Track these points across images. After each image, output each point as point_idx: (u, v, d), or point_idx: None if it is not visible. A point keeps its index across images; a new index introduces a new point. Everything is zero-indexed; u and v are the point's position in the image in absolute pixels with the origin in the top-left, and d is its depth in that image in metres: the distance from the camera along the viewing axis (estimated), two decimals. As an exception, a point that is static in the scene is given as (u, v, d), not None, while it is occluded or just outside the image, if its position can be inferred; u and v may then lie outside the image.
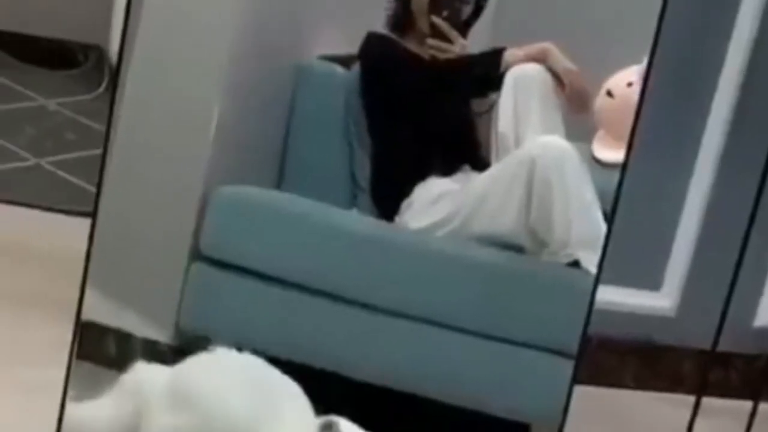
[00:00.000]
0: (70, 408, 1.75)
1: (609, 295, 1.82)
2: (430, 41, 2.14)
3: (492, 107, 2.13)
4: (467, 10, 2.15)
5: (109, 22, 3.14)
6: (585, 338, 1.73)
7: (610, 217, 1.86)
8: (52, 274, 2.29)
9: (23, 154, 2.94)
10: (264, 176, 2.16)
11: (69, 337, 1.82)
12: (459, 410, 1.97)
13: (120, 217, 1.91)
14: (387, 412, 1.87)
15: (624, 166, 1.81)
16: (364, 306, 1.99)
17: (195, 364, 1.67)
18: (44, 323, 2.09)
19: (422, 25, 2.15)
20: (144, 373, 1.70)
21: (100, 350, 2.01)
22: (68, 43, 3.30)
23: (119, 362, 2.08)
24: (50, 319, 2.07)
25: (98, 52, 3.25)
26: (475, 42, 2.16)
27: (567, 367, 1.91)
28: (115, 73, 1.81)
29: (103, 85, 3.28)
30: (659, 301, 2.42)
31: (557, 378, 1.91)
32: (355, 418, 1.78)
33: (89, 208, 2.65)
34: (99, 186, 1.81)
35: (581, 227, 1.98)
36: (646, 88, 1.74)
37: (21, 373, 1.96)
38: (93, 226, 1.77)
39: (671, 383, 2.35)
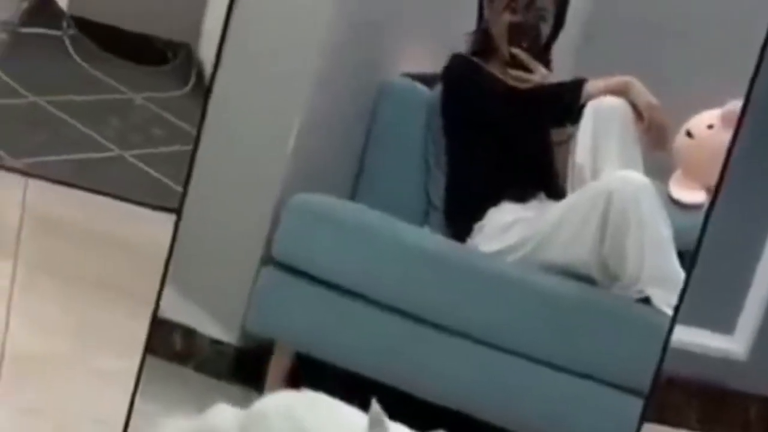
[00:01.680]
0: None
1: (680, 334, 1.81)
2: (512, 72, 2.14)
3: (570, 138, 2.13)
4: (546, 30, 2.15)
5: (200, 22, 3.19)
6: (658, 377, 1.72)
7: (692, 258, 1.85)
8: (126, 264, 2.33)
9: (108, 145, 2.98)
10: (339, 187, 2.18)
11: (141, 327, 1.86)
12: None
13: (198, 216, 1.94)
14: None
15: (709, 209, 1.80)
16: (430, 324, 1.99)
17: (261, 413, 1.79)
18: (118, 311, 2.13)
19: (503, 53, 2.16)
20: (222, 413, 1.81)
21: (165, 344, 2.05)
22: (158, 39, 3.34)
23: (183, 357, 2.12)
24: (124, 308, 2.11)
25: (187, 50, 3.28)
26: (557, 69, 2.17)
27: (630, 402, 1.90)
28: (212, 76, 1.84)
29: (190, 83, 3.31)
30: (731, 344, 2.39)
31: (619, 413, 1.91)
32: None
33: (168, 203, 2.73)
34: (186, 184, 1.84)
35: (654, 264, 1.98)
36: (738, 132, 1.73)
37: (94, 360, 2.00)
38: (177, 224, 1.80)
39: (737, 428, 2.34)
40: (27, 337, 2.00)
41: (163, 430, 1.88)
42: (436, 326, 1.99)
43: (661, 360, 1.71)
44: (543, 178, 2.16)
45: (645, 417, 1.70)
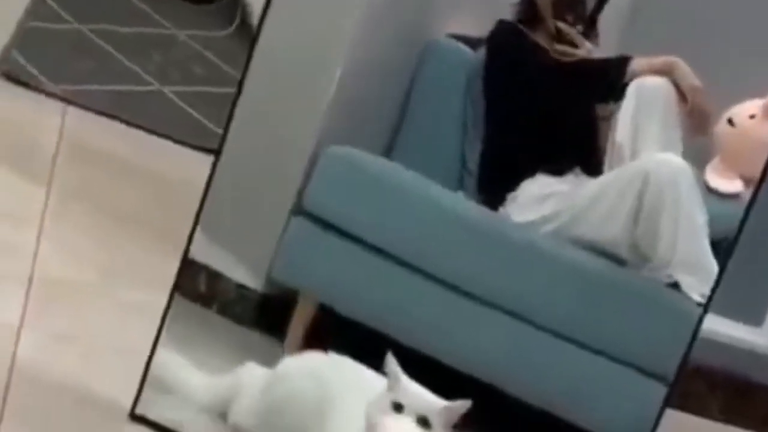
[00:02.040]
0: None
1: (707, 323, 1.80)
2: (557, 47, 2.13)
3: (612, 115, 2.12)
4: (591, 1, 2.14)
5: (250, -36, 3.18)
6: (684, 365, 1.71)
7: (729, 248, 1.84)
8: (159, 200, 2.33)
9: (148, 79, 2.98)
10: (376, 143, 2.16)
11: (169, 264, 1.87)
12: (535, 410, 1.96)
13: (233, 160, 1.94)
14: (462, 397, 1.88)
15: (751, 201, 1.79)
16: (455, 289, 1.99)
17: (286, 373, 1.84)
18: (147, 246, 2.13)
19: (549, 26, 2.14)
20: (251, 371, 1.88)
21: (190, 284, 2.05)
22: (206, -22, 3.35)
23: (206, 299, 2.13)
24: (153, 243, 2.11)
25: (233, -9, 3.29)
26: (603, 45, 2.15)
27: (652, 387, 1.89)
28: (260, 20, 1.83)
29: (234, 24, 3.29)
30: (758, 337, 2.38)
31: (640, 396, 1.90)
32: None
33: (204, 143, 2.73)
34: (227, 126, 1.84)
35: (687, 249, 1.96)
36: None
37: (120, 292, 2.01)
38: (215, 165, 1.80)
39: (760, 422, 2.33)
40: (56, 263, 2.00)
41: (192, 382, 1.90)
42: (462, 292, 1.98)
43: (689, 348, 1.71)
44: (581, 153, 2.14)
45: (667, 404, 1.70)
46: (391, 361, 1.76)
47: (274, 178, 2.12)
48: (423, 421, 1.68)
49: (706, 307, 1.76)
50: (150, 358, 1.82)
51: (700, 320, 1.77)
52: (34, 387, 1.76)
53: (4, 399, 1.70)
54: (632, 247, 1.99)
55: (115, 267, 2.08)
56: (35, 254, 2.03)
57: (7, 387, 1.74)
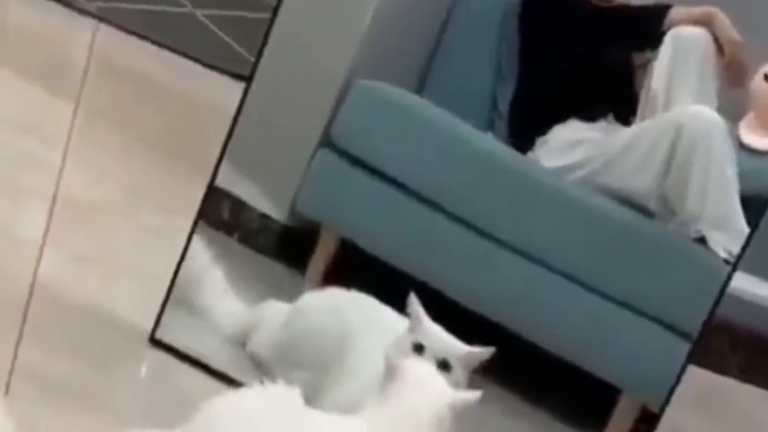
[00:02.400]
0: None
1: (734, 280, 1.79)
2: None
3: (648, 63, 2.09)
4: None
5: None
6: (709, 322, 1.70)
7: (762, 205, 1.82)
8: (186, 124, 2.32)
9: (181, 0, 2.97)
10: (407, 80, 2.13)
11: (193, 189, 1.86)
12: (553, 359, 1.94)
13: (263, 89, 1.92)
14: (480, 341, 1.87)
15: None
16: (479, 230, 1.97)
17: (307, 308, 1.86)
18: (172, 170, 2.12)
19: None
20: (272, 307, 1.90)
21: (214, 212, 2.04)
22: None
23: (229, 227, 2.12)
24: (178, 167, 2.10)
25: None
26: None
27: (675, 342, 1.88)
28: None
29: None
30: (785, 297, 2.39)
31: (662, 351, 1.89)
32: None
33: (233, 68, 2.70)
34: (259, 54, 1.82)
35: (716, 204, 1.94)
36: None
37: (143, 215, 2.01)
38: (246, 92, 1.78)
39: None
40: (80, 182, 2.00)
41: (218, 305, 1.90)
42: (486, 234, 1.96)
43: (715, 306, 1.69)
44: (615, 100, 2.11)
45: (690, 361, 1.69)
46: (414, 302, 1.75)
47: (303, 108, 2.10)
48: (443, 365, 1.67)
49: (735, 266, 1.75)
50: (172, 282, 1.82)
51: (729, 278, 1.76)
52: (54, 306, 1.77)
53: (25, 316, 1.71)
54: (661, 199, 1.97)
55: (139, 189, 2.07)
56: (60, 172, 2.02)
57: (27, 304, 1.74)
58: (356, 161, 2.03)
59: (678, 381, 1.63)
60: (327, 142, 2.04)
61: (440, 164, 2.01)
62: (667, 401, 1.62)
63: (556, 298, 1.96)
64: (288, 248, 2.12)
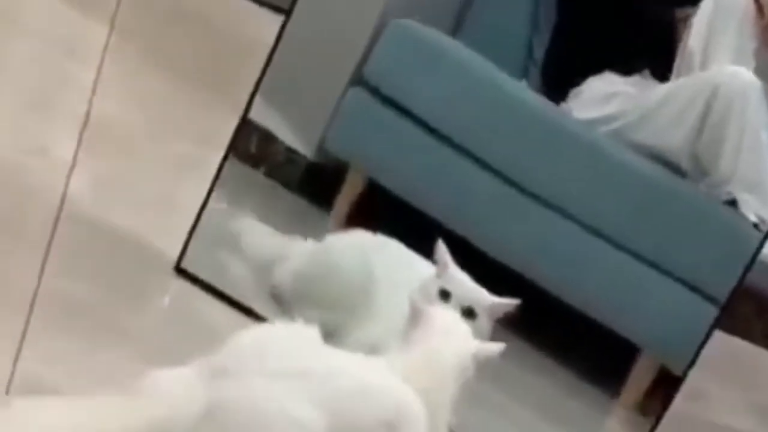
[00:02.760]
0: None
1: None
2: None
3: (688, 18, 2.07)
4: None
5: None
6: (738, 288, 1.69)
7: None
8: (221, 54, 2.29)
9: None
10: (443, 22, 2.11)
11: (222, 119, 1.85)
12: (576, 312, 1.93)
13: (299, 23, 1.89)
14: (503, 292, 1.87)
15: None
16: (506, 178, 1.96)
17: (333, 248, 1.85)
18: (203, 99, 2.10)
19: None
20: (300, 245, 1.89)
21: (241, 144, 2.03)
22: None
23: (256, 160, 2.11)
24: (209, 96, 2.08)
25: None
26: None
27: (699, 304, 1.87)
28: None
29: None
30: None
31: (685, 312, 1.89)
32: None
33: (272, 1, 2.66)
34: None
35: (748, 167, 1.93)
36: None
37: (171, 142, 1.99)
38: (284, 26, 1.76)
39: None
40: (112, 105, 1.98)
41: (247, 237, 1.90)
42: (513, 183, 1.95)
43: (745, 273, 1.68)
44: (653, 55, 2.08)
45: (716, 326, 1.68)
46: (441, 248, 1.74)
47: (337, 46, 2.08)
48: (468, 312, 1.67)
49: (766, 236, 1.73)
50: (200, 213, 1.81)
51: (761, 245, 1.74)
52: (81, 227, 1.76)
53: (52, 235, 1.71)
54: (693, 158, 1.96)
55: (169, 116, 2.06)
56: (93, 92, 2.01)
57: (55, 223, 1.74)
58: (387, 101, 2.01)
59: (703, 345, 1.63)
60: (359, 80, 2.03)
61: (472, 109, 2.00)
62: (691, 364, 1.62)
63: (582, 252, 1.95)
64: (313, 185, 2.11)
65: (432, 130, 1.98)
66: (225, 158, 1.78)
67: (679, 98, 1.97)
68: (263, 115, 2.03)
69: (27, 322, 1.50)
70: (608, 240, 1.93)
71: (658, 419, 1.66)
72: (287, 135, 2.07)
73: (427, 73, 2.01)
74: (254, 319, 1.74)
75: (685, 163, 1.94)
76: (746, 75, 1.94)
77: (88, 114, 1.90)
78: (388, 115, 2.00)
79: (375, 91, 2.00)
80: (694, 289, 1.90)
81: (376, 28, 2.00)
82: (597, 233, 1.94)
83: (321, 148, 2.05)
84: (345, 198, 2.04)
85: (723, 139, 1.92)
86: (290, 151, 2.07)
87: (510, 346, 1.45)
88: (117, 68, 2.07)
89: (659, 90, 2.00)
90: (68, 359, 1.48)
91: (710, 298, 1.87)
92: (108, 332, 1.59)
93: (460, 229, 1.93)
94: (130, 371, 1.24)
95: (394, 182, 2.00)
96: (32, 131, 1.85)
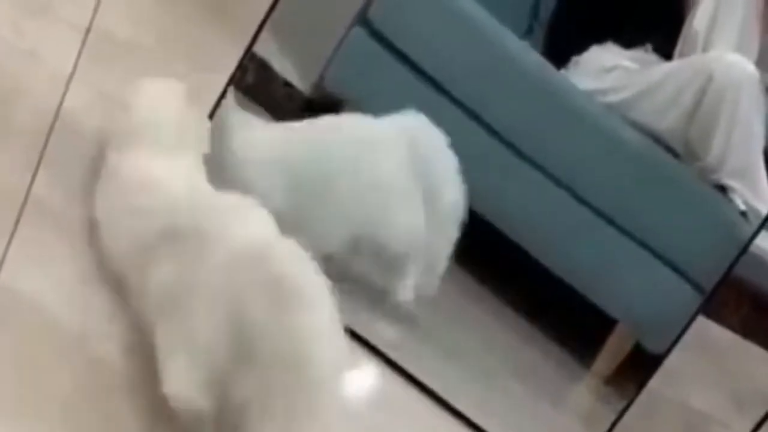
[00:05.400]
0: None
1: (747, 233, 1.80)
2: None
3: (693, -1, 2.07)
4: None
5: None
6: (725, 278, 1.71)
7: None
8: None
9: None
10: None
11: (227, 46, 1.83)
12: (556, 279, 1.96)
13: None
14: (494, 255, 1.88)
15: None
16: (499, 137, 1.96)
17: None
18: (208, 23, 2.07)
19: None
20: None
21: (240, 74, 2.02)
22: None
23: (254, 92, 2.09)
24: (214, 21, 2.05)
25: None
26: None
27: (680, 286, 1.90)
28: None
29: None
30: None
31: (666, 291, 1.91)
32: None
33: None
34: None
35: (739, 155, 1.95)
36: None
37: (175, 66, 1.95)
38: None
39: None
40: (115, 20, 1.95)
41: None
42: (507, 143, 1.95)
43: (735, 261, 1.70)
44: (657, 30, 2.09)
45: (699, 312, 1.70)
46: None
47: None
48: None
49: (762, 224, 1.75)
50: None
51: (753, 237, 1.76)
52: (75, 140, 1.73)
53: (45, 145, 1.69)
54: (686, 142, 1.97)
55: (173, 38, 2.02)
56: (96, 5, 1.98)
57: (48, 135, 1.72)
58: (388, 44, 2.00)
59: (685, 329, 1.65)
60: (363, 21, 2.02)
61: (471, 63, 1.99)
62: (672, 346, 1.64)
63: (570, 221, 1.97)
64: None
65: (429, 79, 1.97)
66: (227, 86, 1.76)
67: (674, 81, 1.97)
68: (264, 47, 2.02)
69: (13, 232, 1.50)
70: (597, 212, 1.95)
71: (633, 398, 1.69)
72: (286, 69, 2.06)
73: (430, 21, 2.00)
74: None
75: (677, 146, 1.96)
76: (743, 66, 1.94)
77: (89, 27, 1.87)
78: (388, 58, 1.99)
79: (377, 34, 1.99)
80: (676, 270, 1.92)
81: (384, -30, 2.00)
82: (587, 204, 1.95)
83: (318, 86, 2.04)
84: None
85: (714, 126, 1.93)
86: (287, 85, 2.06)
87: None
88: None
89: (659, 69, 2.00)
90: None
91: (692, 281, 1.90)
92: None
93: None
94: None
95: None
96: (30, 37, 1.82)
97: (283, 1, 1.82)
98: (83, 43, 1.86)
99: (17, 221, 1.52)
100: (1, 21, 1.79)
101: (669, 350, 1.67)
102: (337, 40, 2.02)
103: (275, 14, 1.82)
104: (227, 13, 2.05)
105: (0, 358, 1.36)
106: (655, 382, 1.65)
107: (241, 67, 1.78)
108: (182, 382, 1.33)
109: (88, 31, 1.88)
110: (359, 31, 1.99)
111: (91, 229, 1.51)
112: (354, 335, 1.62)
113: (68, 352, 1.41)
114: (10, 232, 1.49)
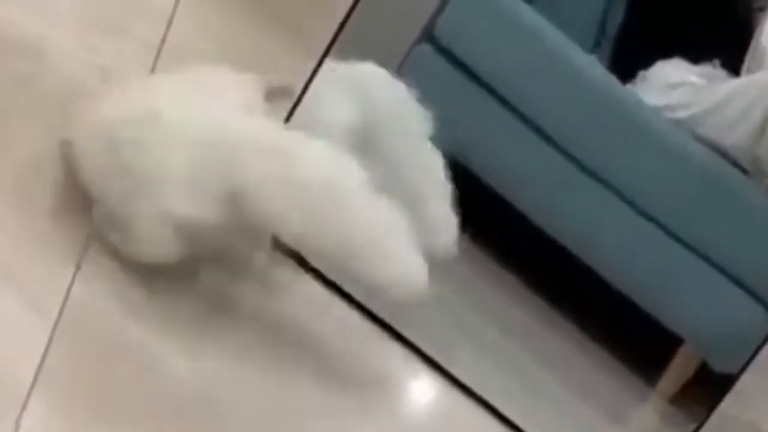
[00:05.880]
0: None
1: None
2: None
3: (764, 11, 2.05)
4: None
5: None
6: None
7: None
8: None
9: None
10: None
11: (297, 62, 1.85)
12: (621, 295, 1.95)
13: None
14: (557, 270, 1.88)
15: None
16: (566, 153, 1.96)
17: None
18: (280, 40, 2.10)
19: None
20: None
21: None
22: None
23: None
24: (287, 38, 2.07)
25: None
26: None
27: (749, 305, 1.89)
28: None
29: None
30: None
31: (734, 311, 1.91)
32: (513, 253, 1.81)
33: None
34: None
35: (809, 175, 1.95)
36: None
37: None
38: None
39: None
40: (189, 35, 1.98)
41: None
42: (572, 158, 1.95)
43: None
44: (725, 45, 2.08)
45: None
46: None
47: (409, 1, 2.08)
48: None
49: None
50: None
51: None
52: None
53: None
54: (753, 161, 1.96)
55: (245, 54, 2.05)
56: (170, 20, 2.01)
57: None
58: (454, 60, 2.00)
59: (758, 350, 1.64)
60: (429, 36, 2.02)
61: (538, 79, 1.99)
62: (744, 368, 1.63)
63: (636, 237, 1.96)
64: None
65: (495, 95, 1.98)
66: (297, 102, 1.78)
67: (744, 96, 1.96)
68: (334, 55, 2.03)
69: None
70: (663, 228, 1.94)
71: (703, 420, 1.68)
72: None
73: (497, 37, 2.00)
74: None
75: (745, 163, 1.95)
76: (817, 82, 1.94)
77: (163, 40, 1.90)
78: (454, 74, 1.99)
79: (443, 50, 2.00)
80: (744, 288, 1.91)
81: (452, -15, 2.01)
82: (653, 219, 1.94)
83: (383, 99, 2.06)
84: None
85: None
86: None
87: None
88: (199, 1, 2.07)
89: (726, 85, 1.99)
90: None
91: (760, 300, 1.90)
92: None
93: (512, 196, 1.94)
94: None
95: (451, 142, 2.02)
96: (104, 53, 1.85)
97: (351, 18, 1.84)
98: (156, 58, 1.90)
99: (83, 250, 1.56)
100: (74, 38, 1.83)
101: (741, 372, 1.66)
102: (402, 54, 2.04)
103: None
104: (299, 30, 2.07)
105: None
106: (724, 403, 1.65)
107: (310, 83, 1.80)
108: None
109: (161, 46, 1.91)
110: (425, 47, 2.00)
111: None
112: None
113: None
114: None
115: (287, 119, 1.77)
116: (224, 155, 1.51)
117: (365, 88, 1.81)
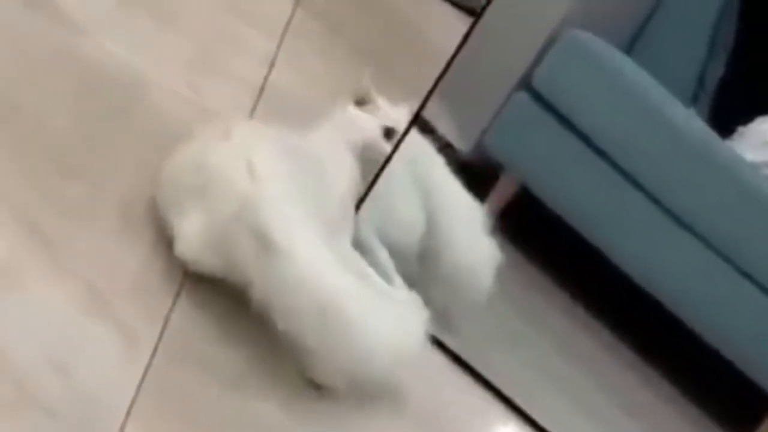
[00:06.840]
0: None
1: None
2: None
3: None
4: None
5: None
6: None
7: None
8: (397, 41, 2.30)
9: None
10: (618, 37, 2.10)
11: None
12: (710, 350, 1.95)
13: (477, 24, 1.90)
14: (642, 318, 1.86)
15: None
16: (662, 206, 1.94)
17: None
18: (376, 85, 2.14)
19: None
20: None
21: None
22: None
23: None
24: (382, 82, 2.10)
25: None
26: None
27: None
28: None
29: None
30: None
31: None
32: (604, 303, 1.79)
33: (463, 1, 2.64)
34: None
35: None
36: None
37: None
38: (472, 27, 1.76)
39: None
40: (285, 77, 2.01)
41: None
42: (668, 211, 1.93)
43: None
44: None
45: None
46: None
47: (510, 48, 2.08)
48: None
49: None
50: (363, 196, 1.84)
51: None
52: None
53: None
54: None
55: (343, 96, 2.09)
56: (272, 62, 2.05)
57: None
58: (551, 109, 2.01)
59: None
60: (526, 85, 2.04)
61: (637, 131, 1.99)
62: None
63: (730, 293, 1.94)
64: (465, 183, 2.13)
65: (591, 144, 1.98)
66: (394, 150, 1.79)
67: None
68: (428, 108, 2.05)
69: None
70: (760, 286, 1.91)
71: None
72: (447, 128, 2.08)
73: (596, 88, 2.00)
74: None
75: None
76: None
77: (264, 84, 1.94)
78: (551, 124, 2.00)
79: (540, 99, 2.00)
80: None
81: (551, 35, 2.01)
82: (749, 277, 1.92)
83: (477, 147, 2.06)
84: (494, 200, 2.05)
85: None
86: (446, 145, 2.09)
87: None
88: (299, 43, 2.10)
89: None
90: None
91: None
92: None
93: (607, 248, 1.94)
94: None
95: (546, 191, 2.01)
96: (206, 94, 1.89)
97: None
98: (257, 99, 1.93)
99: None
100: (178, 79, 1.87)
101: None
102: (499, 102, 2.05)
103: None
104: (396, 74, 2.09)
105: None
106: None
107: (408, 130, 1.81)
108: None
109: (262, 87, 1.95)
110: (522, 96, 2.01)
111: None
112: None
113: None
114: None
115: (362, 199, 1.79)
116: None
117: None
